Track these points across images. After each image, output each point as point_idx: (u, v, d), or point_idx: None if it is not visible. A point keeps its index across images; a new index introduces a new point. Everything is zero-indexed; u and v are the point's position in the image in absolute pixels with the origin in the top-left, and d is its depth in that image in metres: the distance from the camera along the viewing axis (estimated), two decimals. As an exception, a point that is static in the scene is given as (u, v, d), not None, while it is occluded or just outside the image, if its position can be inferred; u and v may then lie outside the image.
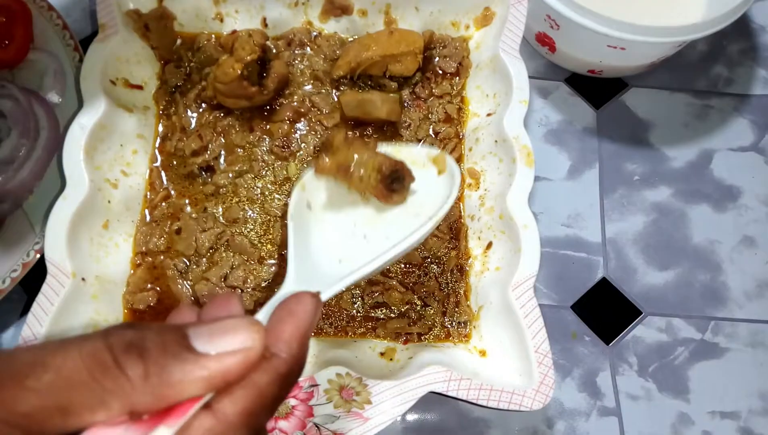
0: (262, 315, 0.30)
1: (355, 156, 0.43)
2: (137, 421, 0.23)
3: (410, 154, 0.48)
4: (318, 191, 0.47)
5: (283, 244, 0.58)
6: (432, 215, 0.42)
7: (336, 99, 0.62)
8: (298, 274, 0.39)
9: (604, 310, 0.62)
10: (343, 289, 0.38)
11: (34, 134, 0.59)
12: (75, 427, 0.22)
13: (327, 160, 0.44)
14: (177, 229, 0.57)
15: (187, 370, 0.23)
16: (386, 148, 0.47)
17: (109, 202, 0.55)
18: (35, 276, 0.54)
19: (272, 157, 0.60)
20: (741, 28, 0.74)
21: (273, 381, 0.25)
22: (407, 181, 0.45)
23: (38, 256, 0.55)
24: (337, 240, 0.44)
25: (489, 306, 0.54)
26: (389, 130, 0.62)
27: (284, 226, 0.58)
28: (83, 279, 0.51)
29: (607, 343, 0.61)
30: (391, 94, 0.60)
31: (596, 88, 0.70)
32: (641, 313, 0.62)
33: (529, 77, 0.58)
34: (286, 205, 0.59)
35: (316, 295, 0.29)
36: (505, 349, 0.52)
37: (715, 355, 0.61)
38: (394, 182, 0.44)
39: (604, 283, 0.63)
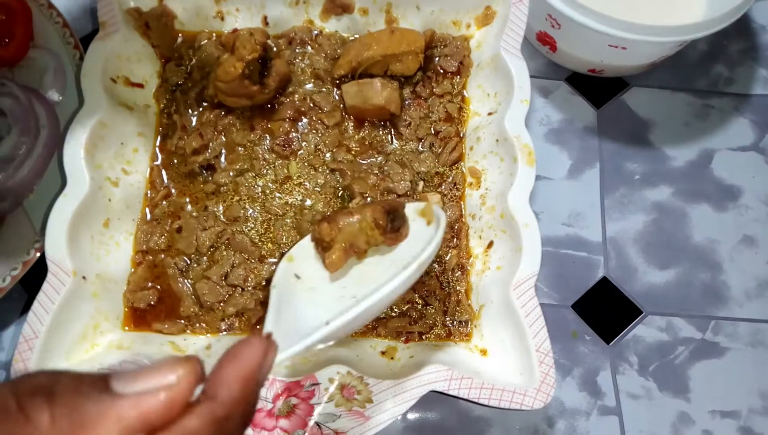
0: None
1: (349, 228, 0.43)
2: None
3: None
4: (307, 261, 0.46)
5: (283, 243, 0.58)
6: (416, 257, 0.40)
7: (337, 98, 0.62)
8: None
9: (605, 310, 0.62)
10: (319, 345, 0.36)
11: (35, 132, 0.59)
12: None
13: (334, 256, 0.43)
14: (177, 227, 0.57)
15: (100, 411, 0.21)
16: None
17: (109, 200, 0.55)
18: (35, 274, 0.53)
19: (273, 155, 0.60)
20: (742, 27, 0.74)
21: (206, 425, 0.23)
22: (401, 211, 0.45)
23: (38, 254, 0.55)
24: (326, 304, 0.43)
25: (490, 305, 0.54)
26: (389, 127, 0.62)
27: (284, 229, 0.58)
28: (84, 277, 0.51)
29: (608, 343, 0.61)
30: (392, 83, 0.60)
31: (597, 88, 0.70)
32: (642, 312, 0.62)
33: (530, 76, 0.58)
34: (287, 203, 0.59)
35: (267, 338, 0.27)
36: (506, 348, 0.52)
37: (715, 355, 0.61)
38: (395, 221, 0.44)
39: (604, 282, 0.63)
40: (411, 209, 0.48)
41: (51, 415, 0.21)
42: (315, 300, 0.44)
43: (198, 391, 0.24)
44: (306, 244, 0.47)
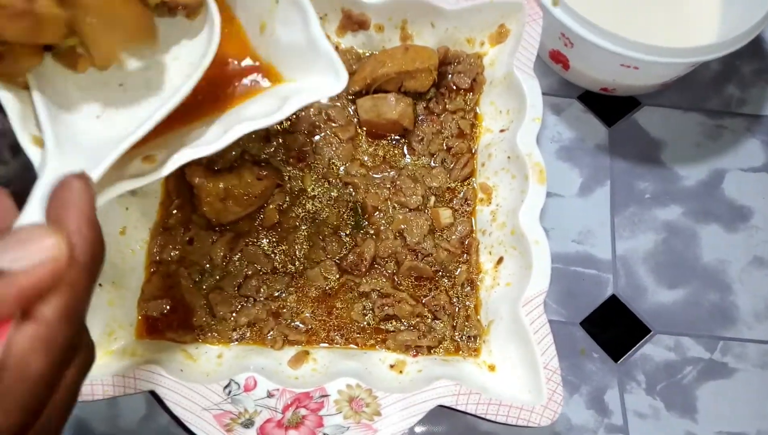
0: (35, 208, 0.27)
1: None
2: None
3: None
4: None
5: (295, 256, 0.58)
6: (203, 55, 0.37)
7: (352, 112, 0.63)
8: (58, 143, 0.33)
9: (613, 328, 0.62)
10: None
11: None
12: None
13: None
14: (189, 238, 0.58)
15: None
16: None
17: (126, 208, 0.56)
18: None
19: (288, 168, 0.61)
20: (754, 48, 0.74)
21: (80, 272, 0.25)
22: None
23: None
24: (87, 90, 0.37)
25: (499, 321, 0.54)
26: (402, 142, 0.62)
27: (297, 241, 0.59)
28: (100, 285, 0.52)
29: (616, 361, 0.61)
30: (406, 98, 0.61)
31: (609, 106, 0.71)
32: (650, 331, 0.62)
33: (543, 94, 0.59)
34: (299, 217, 0.59)
35: (82, 177, 0.27)
36: (514, 365, 0.52)
37: (723, 375, 0.61)
38: None
39: (613, 300, 0.63)
40: None
41: None
42: (73, 84, 0.37)
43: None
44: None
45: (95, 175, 0.31)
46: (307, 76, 0.41)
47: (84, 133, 0.35)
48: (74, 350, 0.27)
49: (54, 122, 0.34)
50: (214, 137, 0.38)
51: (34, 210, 0.27)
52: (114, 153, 0.32)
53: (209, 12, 0.39)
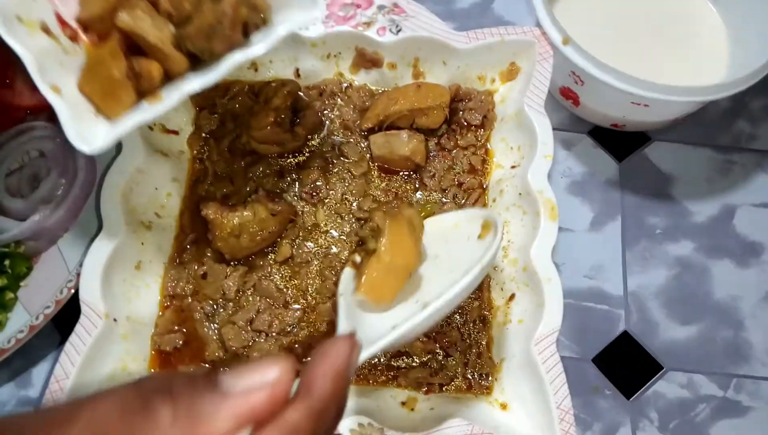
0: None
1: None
2: None
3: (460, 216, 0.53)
4: None
5: (307, 290, 0.59)
6: (478, 260, 0.42)
7: (364, 148, 0.64)
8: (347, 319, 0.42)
9: (626, 364, 0.62)
10: (390, 347, 0.39)
11: (72, 174, 0.62)
12: None
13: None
14: (203, 273, 0.58)
15: (214, 406, 0.24)
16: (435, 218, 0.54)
17: (142, 244, 0.57)
18: (67, 311, 0.55)
19: (301, 203, 0.61)
20: (764, 84, 0.74)
21: (305, 417, 0.25)
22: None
23: (71, 293, 0.56)
24: (392, 310, 0.46)
25: (511, 359, 0.54)
26: (414, 178, 0.63)
27: (309, 276, 0.59)
28: (115, 319, 0.53)
29: (628, 398, 0.61)
30: (418, 135, 0.62)
31: (619, 141, 0.71)
32: (662, 368, 0.62)
33: (553, 129, 0.59)
34: (312, 252, 0.60)
35: (351, 337, 0.29)
36: (526, 404, 0.52)
37: (737, 414, 0.61)
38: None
39: (625, 336, 0.63)
40: (472, 215, 0.51)
41: (172, 413, 0.23)
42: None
43: (294, 388, 0.26)
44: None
45: (365, 352, 0.36)
46: (283, 7, 0.46)
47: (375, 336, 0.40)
48: None
49: (347, 316, 0.44)
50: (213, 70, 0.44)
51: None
52: (383, 342, 0.38)
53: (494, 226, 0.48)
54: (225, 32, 0.43)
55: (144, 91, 0.44)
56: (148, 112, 0.43)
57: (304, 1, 0.45)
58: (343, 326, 0.42)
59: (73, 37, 0.45)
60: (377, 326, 0.43)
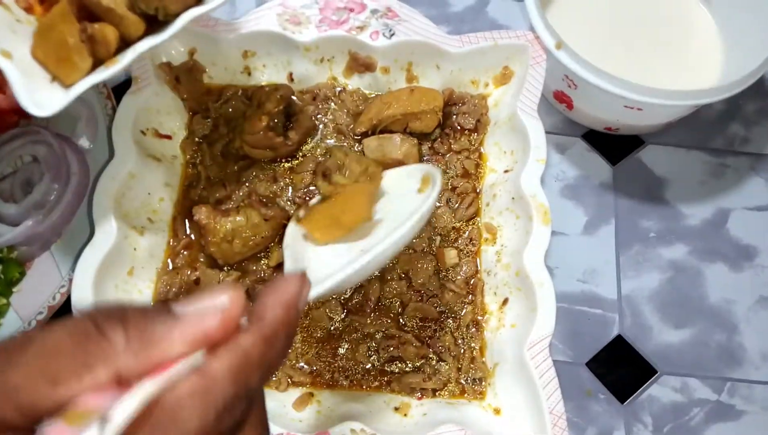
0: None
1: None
2: (125, 387, 0.22)
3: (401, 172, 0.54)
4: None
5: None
6: (415, 211, 0.43)
7: (358, 152, 0.64)
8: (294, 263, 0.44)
9: (619, 368, 0.62)
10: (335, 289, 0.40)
11: (65, 179, 0.61)
12: (64, 396, 0.22)
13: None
14: (195, 278, 0.58)
15: (166, 329, 0.24)
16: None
17: (135, 249, 0.57)
18: (60, 318, 0.55)
19: (294, 207, 0.61)
20: (758, 88, 0.75)
21: (257, 342, 0.26)
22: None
23: (64, 299, 0.56)
24: (334, 260, 0.47)
25: (504, 363, 0.54)
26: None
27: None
28: (107, 325, 0.52)
29: (622, 402, 0.61)
30: (411, 138, 0.62)
31: (613, 145, 0.71)
32: (656, 371, 0.62)
33: (547, 132, 0.59)
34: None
35: (302, 274, 0.30)
36: (519, 408, 0.52)
37: (731, 417, 0.61)
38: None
39: (619, 340, 0.63)
40: (413, 170, 0.53)
41: (125, 335, 0.23)
42: (324, 258, 0.48)
43: (244, 320, 0.27)
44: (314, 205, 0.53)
45: (314, 291, 0.36)
46: None
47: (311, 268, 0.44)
48: (237, 424, 0.27)
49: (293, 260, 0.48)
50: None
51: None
52: (330, 282, 0.39)
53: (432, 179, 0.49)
54: None
55: (102, 57, 0.43)
56: (102, 73, 0.42)
57: None
58: (288, 262, 0.45)
59: (28, 9, 0.45)
60: (323, 273, 0.43)
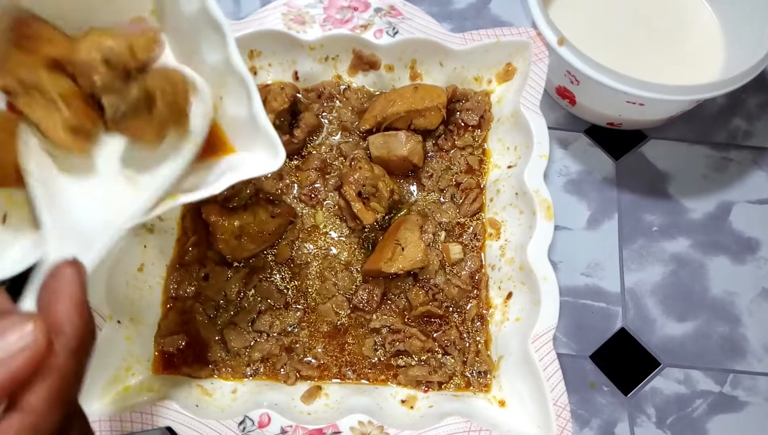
0: (30, 298, 0.28)
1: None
2: None
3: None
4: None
5: (308, 291, 0.60)
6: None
7: (363, 149, 0.64)
8: (54, 228, 0.32)
9: (623, 361, 0.63)
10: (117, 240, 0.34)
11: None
12: None
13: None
14: (204, 275, 0.59)
15: None
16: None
17: (144, 246, 0.58)
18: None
19: (300, 204, 0.62)
20: (760, 82, 0.75)
21: (68, 358, 0.25)
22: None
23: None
24: (98, 188, 0.37)
25: (509, 357, 0.55)
26: (412, 178, 0.64)
27: (309, 277, 0.60)
28: (119, 321, 0.54)
29: (626, 394, 0.61)
30: (415, 135, 0.63)
31: (615, 140, 0.72)
32: (660, 364, 0.63)
33: (550, 128, 0.60)
34: (311, 253, 0.61)
35: (73, 263, 0.28)
36: (524, 401, 0.53)
37: (734, 409, 0.62)
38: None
39: (622, 333, 0.64)
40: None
41: None
42: (87, 185, 0.37)
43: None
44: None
45: (88, 260, 0.31)
46: (249, 149, 0.41)
47: (80, 218, 0.35)
48: (66, 432, 0.27)
49: (50, 209, 0.34)
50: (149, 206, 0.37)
51: (29, 301, 0.28)
52: (106, 238, 0.33)
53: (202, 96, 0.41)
54: None
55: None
56: None
57: (267, 147, 0.40)
58: (46, 221, 0.32)
59: None
60: (92, 213, 0.35)
